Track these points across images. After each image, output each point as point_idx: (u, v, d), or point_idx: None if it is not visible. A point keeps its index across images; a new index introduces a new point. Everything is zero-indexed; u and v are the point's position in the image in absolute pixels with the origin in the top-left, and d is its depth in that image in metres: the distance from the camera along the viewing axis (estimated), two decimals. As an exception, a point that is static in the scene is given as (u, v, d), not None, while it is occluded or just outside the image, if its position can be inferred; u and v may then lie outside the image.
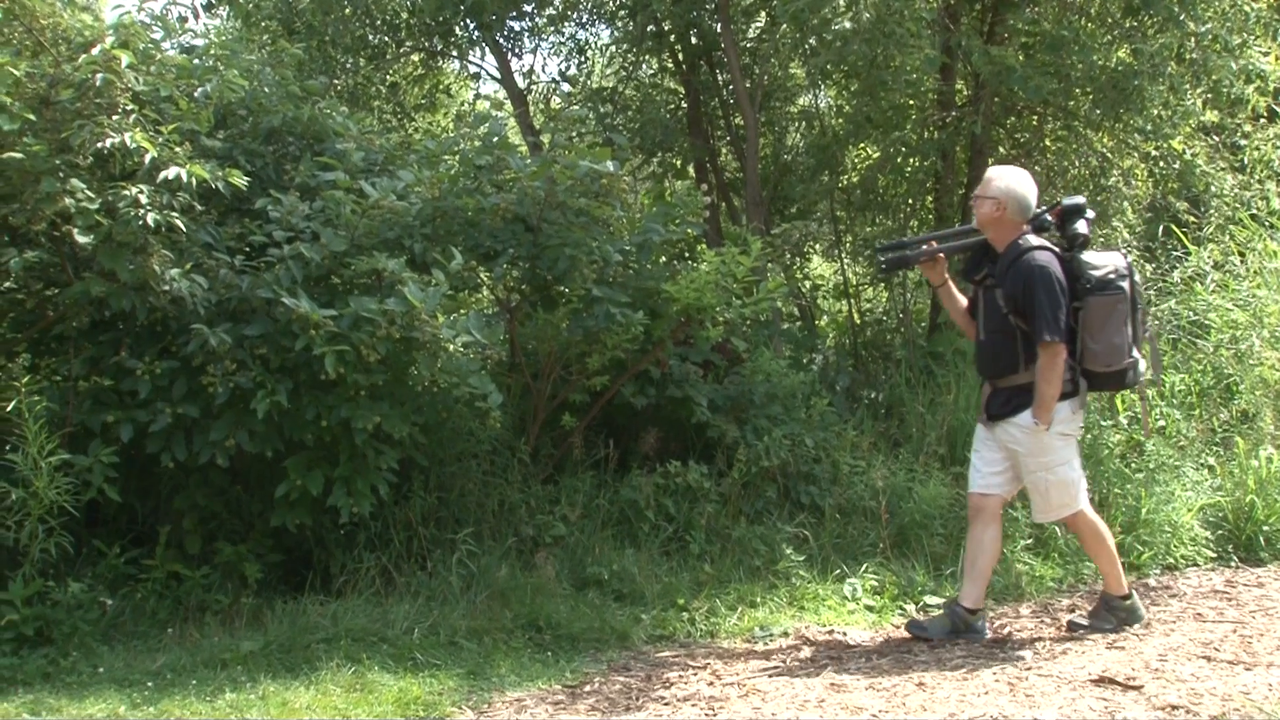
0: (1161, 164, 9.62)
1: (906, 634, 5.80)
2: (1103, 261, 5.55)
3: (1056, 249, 5.60)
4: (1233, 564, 7.11)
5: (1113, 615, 5.78)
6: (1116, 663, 5.17)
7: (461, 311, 6.13)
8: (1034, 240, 5.59)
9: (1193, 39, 8.18)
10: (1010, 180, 5.64)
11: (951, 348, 8.49)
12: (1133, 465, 7.59)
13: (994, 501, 5.74)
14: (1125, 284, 5.51)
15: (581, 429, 6.89)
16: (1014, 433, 5.60)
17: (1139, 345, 5.59)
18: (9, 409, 5.45)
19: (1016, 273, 5.52)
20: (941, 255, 5.91)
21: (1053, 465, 5.60)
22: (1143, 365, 5.66)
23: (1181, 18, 7.93)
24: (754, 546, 6.64)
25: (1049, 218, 5.73)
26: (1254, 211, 9.75)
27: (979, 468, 5.79)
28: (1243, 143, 9.87)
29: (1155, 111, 8.46)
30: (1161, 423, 8.13)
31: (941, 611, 5.85)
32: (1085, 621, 5.82)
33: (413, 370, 6.02)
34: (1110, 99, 8.24)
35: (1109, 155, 9.74)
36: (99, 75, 5.50)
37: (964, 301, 5.98)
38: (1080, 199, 5.77)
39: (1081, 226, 5.65)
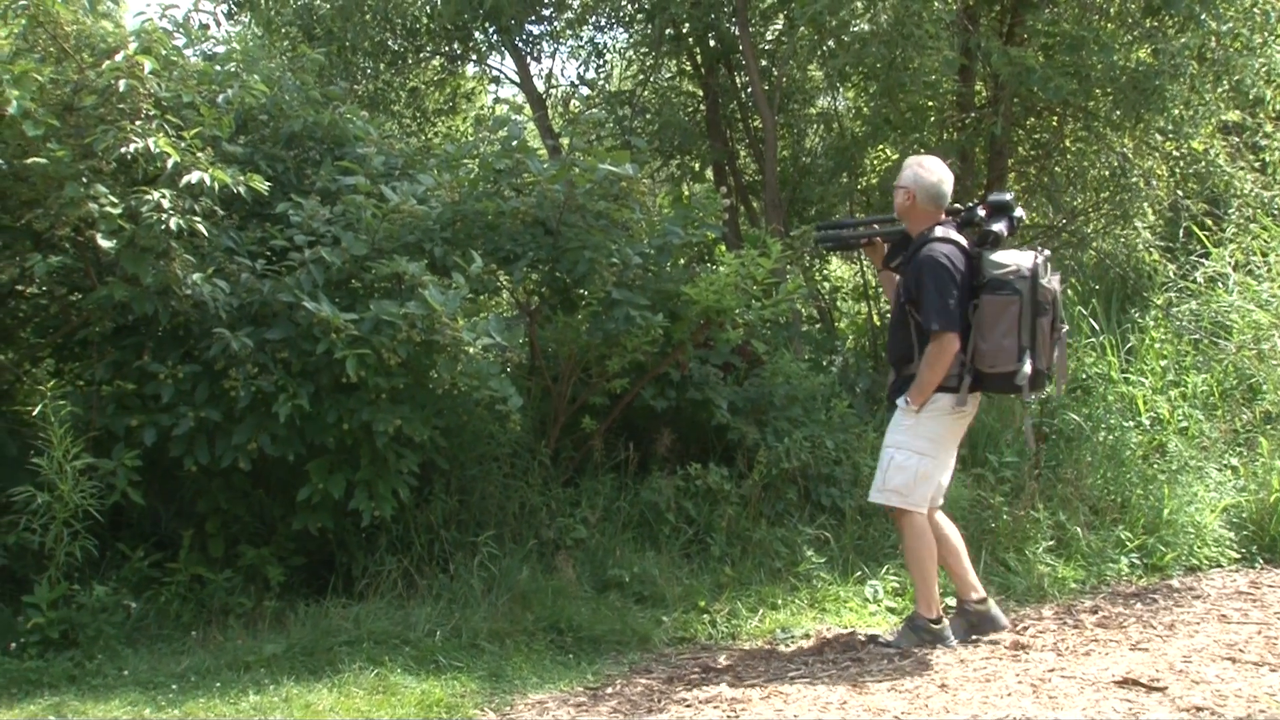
0: (1182, 164, 9.58)
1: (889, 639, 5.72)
2: (1007, 261, 5.43)
3: (963, 243, 5.53)
4: (1257, 565, 7.08)
5: (915, 634, 5.59)
6: (1140, 664, 5.15)
7: (481, 315, 6.14)
8: (939, 232, 5.54)
9: (1214, 38, 8.14)
10: (919, 169, 5.63)
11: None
12: (1155, 466, 7.56)
13: (939, 511, 5.79)
14: (1023, 285, 5.37)
15: (602, 431, 6.89)
16: (894, 415, 5.64)
17: (1039, 351, 5.40)
18: (34, 413, 5.49)
19: (914, 263, 5.51)
20: (880, 239, 5.90)
21: (903, 445, 5.54)
22: (1029, 369, 5.40)
23: (1203, 17, 7.89)
24: (775, 548, 6.63)
25: (980, 211, 5.67)
26: (1275, 212, 9.70)
27: None
28: (1264, 143, 9.83)
29: (1176, 111, 8.42)
30: (1184, 423, 8.09)
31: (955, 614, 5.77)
32: (890, 639, 5.67)
33: (433, 373, 6.04)
34: (1131, 99, 8.20)
35: (1129, 155, 9.71)
36: (122, 81, 5.54)
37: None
38: (1007, 196, 5.69)
39: (998, 225, 5.55)
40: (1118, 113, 8.64)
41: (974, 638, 5.66)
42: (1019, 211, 5.65)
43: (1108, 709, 4.55)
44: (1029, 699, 4.74)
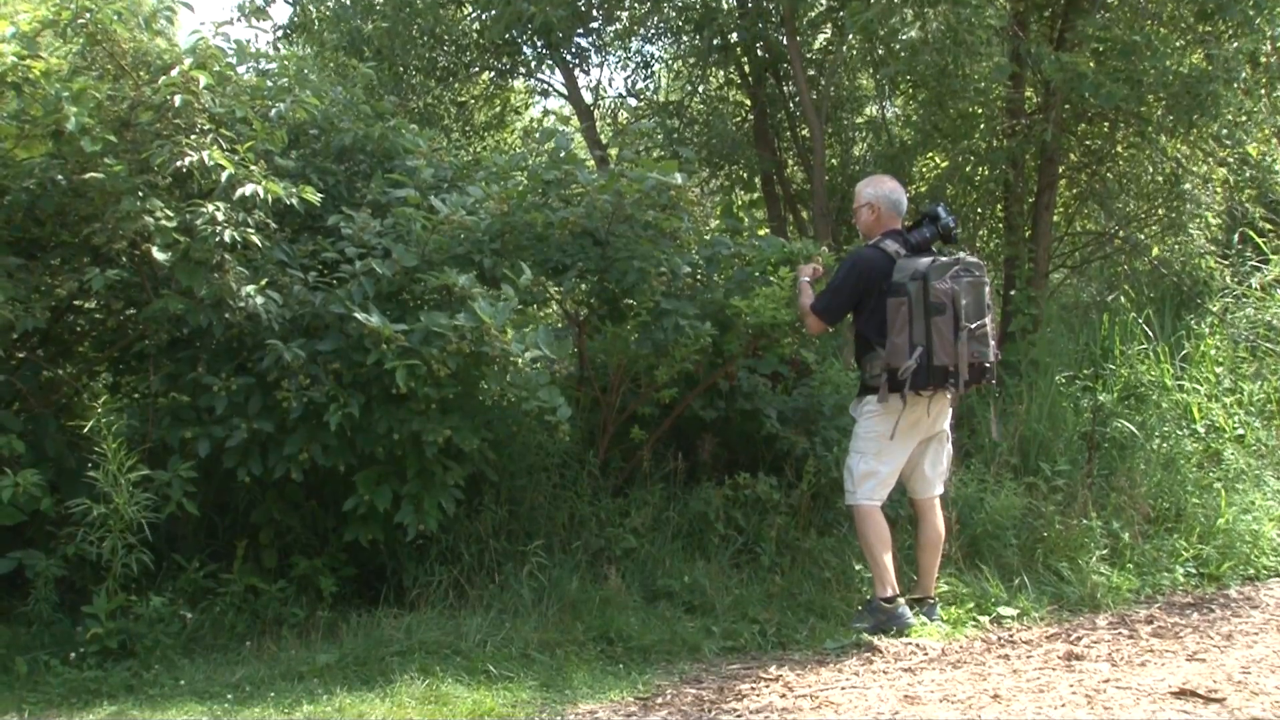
0: (1237, 169, 9.47)
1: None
2: (905, 265, 5.84)
3: (889, 251, 5.94)
4: (1317, 575, 6.97)
5: (870, 615, 5.95)
6: (1197, 675, 5.09)
7: (531, 326, 6.16)
8: (872, 241, 6.08)
9: (1269, 42, 8.04)
10: (878, 185, 6.19)
11: (1026, 357, 8.41)
12: (1211, 474, 7.47)
13: (924, 502, 6.26)
14: (914, 286, 5.72)
15: (651, 442, 6.90)
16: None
17: (935, 349, 5.72)
18: (87, 429, 5.57)
19: None
20: None
21: (850, 449, 6.15)
22: (959, 374, 5.78)
23: (1257, 21, 7.80)
24: (824, 558, 6.60)
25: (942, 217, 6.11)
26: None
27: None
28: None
29: (1230, 117, 8.33)
30: (1240, 431, 7.99)
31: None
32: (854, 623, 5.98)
33: (483, 384, 6.07)
34: (1184, 105, 8.12)
35: (1182, 161, 9.60)
36: (178, 96, 5.62)
37: None
38: (935, 208, 6.08)
39: (916, 234, 6.03)
40: (1170, 118, 8.55)
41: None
42: (947, 220, 6.05)
43: (1164, 720, 4.51)
44: (1084, 710, 4.70)
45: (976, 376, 5.88)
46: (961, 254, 6.05)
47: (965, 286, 5.78)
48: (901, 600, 5.99)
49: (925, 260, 5.82)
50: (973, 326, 5.79)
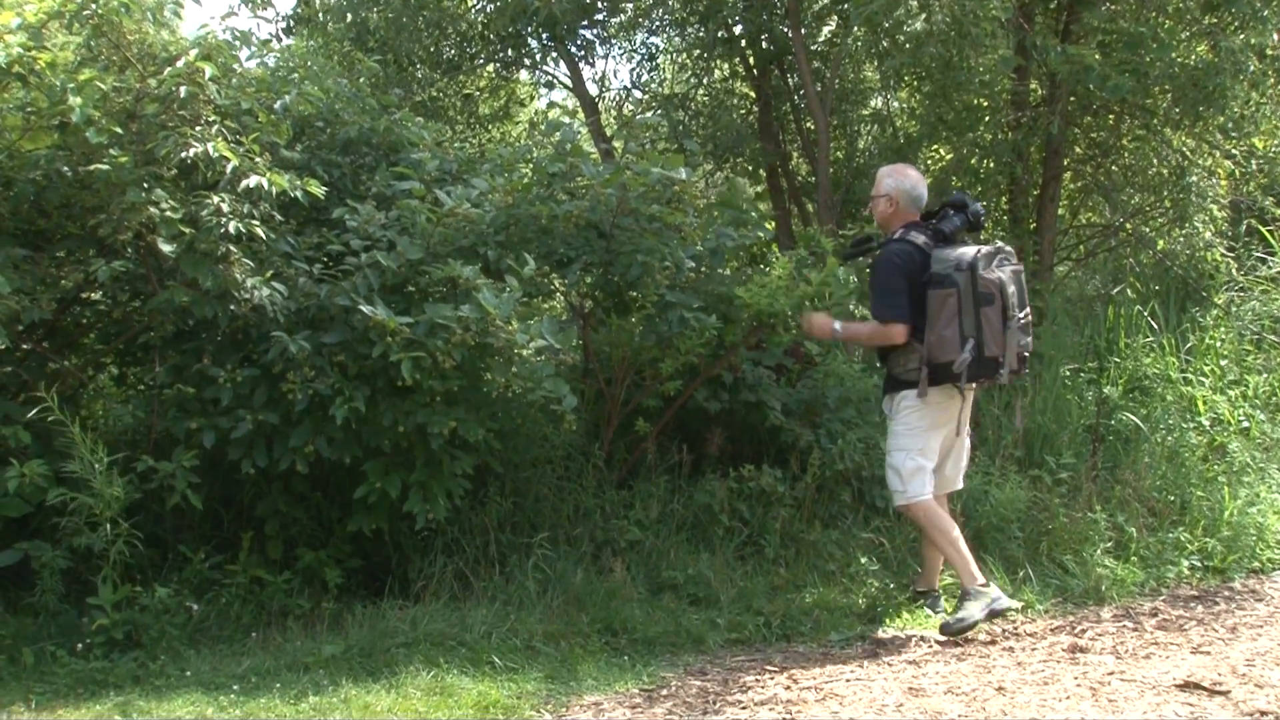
0: (1243, 162, 9.45)
1: (942, 637, 5.82)
2: (948, 256, 5.72)
3: (918, 243, 5.82)
4: (1322, 567, 6.96)
5: (973, 603, 5.75)
6: (1202, 667, 5.09)
7: (535, 318, 6.16)
8: (898, 234, 5.92)
9: (1276, 34, 8.02)
10: (899, 177, 6.04)
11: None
12: (1215, 467, 7.46)
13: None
14: (961, 277, 5.62)
15: (655, 434, 6.90)
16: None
17: (986, 339, 5.64)
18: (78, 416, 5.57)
19: (872, 264, 6.01)
20: None
21: (893, 449, 5.98)
22: (1006, 364, 5.72)
23: (1264, 14, 7.78)
24: (829, 550, 6.61)
25: (951, 212, 5.98)
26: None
27: None
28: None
29: (1236, 109, 8.31)
30: (1245, 423, 7.98)
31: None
32: (952, 619, 5.78)
33: (487, 376, 6.07)
34: (1190, 97, 8.10)
35: (1188, 154, 9.58)
36: (183, 87, 5.62)
37: None
38: (962, 196, 5.97)
39: (946, 223, 5.88)
40: (1177, 111, 8.53)
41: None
42: (975, 207, 5.93)
43: (1169, 713, 4.51)
44: (1088, 702, 4.70)
45: (1020, 366, 5.84)
46: (998, 242, 5.97)
47: (1010, 275, 5.71)
48: (992, 583, 5.92)
49: (968, 250, 5.71)
50: (1020, 316, 5.75)
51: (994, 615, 5.79)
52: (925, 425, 5.88)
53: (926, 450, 5.92)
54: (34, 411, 5.49)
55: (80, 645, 5.32)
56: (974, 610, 5.71)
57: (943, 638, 5.76)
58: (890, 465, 5.99)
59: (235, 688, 5.03)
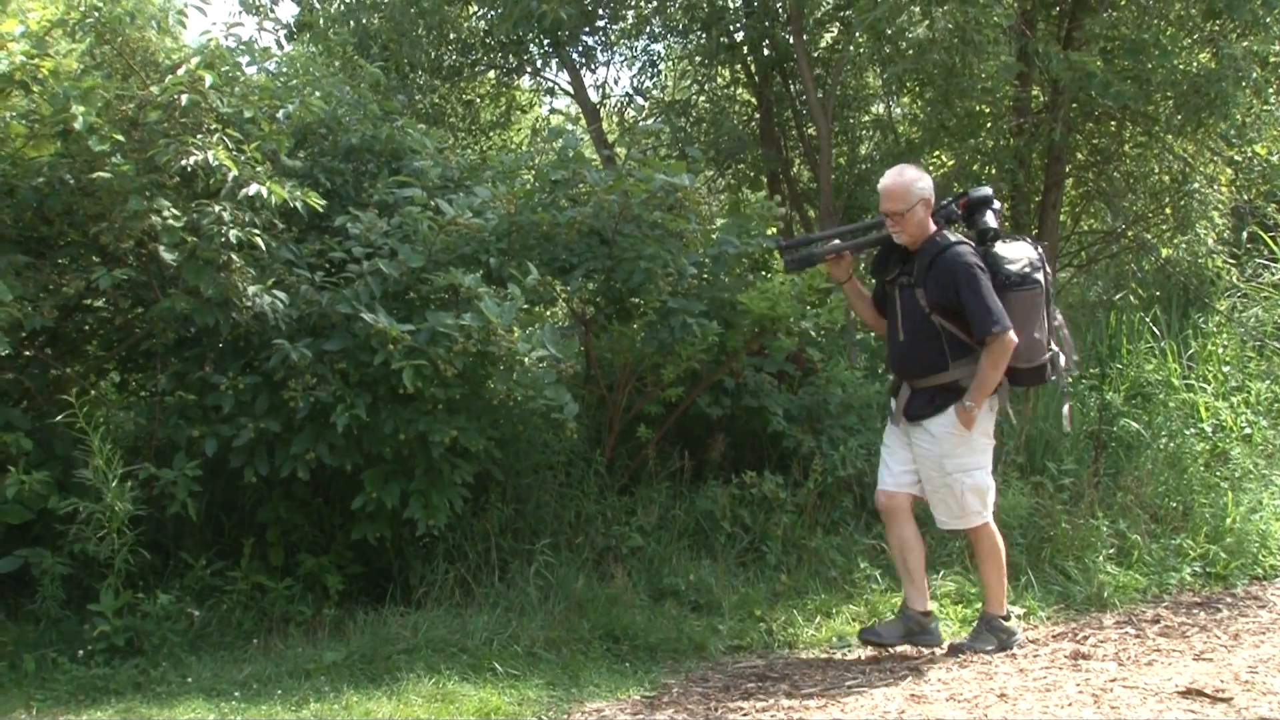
0: (1245, 169, 9.45)
1: (861, 643, 5.76)
2: (1016, 254, 5.52)
3: (968, 243, 5.53)
4: (1324, 574, 6.95)
5: (994, 636, 5.64)
6: (1204, 674, 5.08)
7: (537, 325, 6.17)
8: (951, 237, 5.53)
9: (1278, 42, 8.03)
10: (922, 180, 5.54)
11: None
12: (1218, 474, 7.46)
13: (903, 499, 5.70)
14: (1040, 276, 5.49)
15: (656, 440, 6.90)
16: (934, 432, 5.53)
17: (1054, 337, 5.56)
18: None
19: (939, 271, 5.43)
20: (847, 253, 5.84)
21: (970, 468, 5.53)
22: (1063, 359, 5.63)
23: (1266, 21, 7.79)
24: (830, 557, 6.61)
25: (955, 209, 5.68)
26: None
27: (890, 465, 5.75)
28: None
29: (1239, 116, 8.31)
30: (1248, 430, 7.98)
31: (895, 617, 5.78)
32: (966, 642, 5.69)
33: (489, 384, 6.07)
34: (1192, 104, 8.10)
35: (1190, 160, 9.59)
36: (184, 95, 5.63)
37: (869, 296, 5.91)
38: (987, 190, 5.70)
39: (989, 219, 5.58)
40: (1179, 117, 8.53)
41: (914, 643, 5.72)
42: (996, 204, 5.69)
43: (1171, 720, 4.50)
44: (1090, 709, 4.69)
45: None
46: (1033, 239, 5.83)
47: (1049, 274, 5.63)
48: (1013, 616, 5.83)
49: (1030, 248, 5.58)
50: (1056, 316, 5.69)
51: (1007, 649, 5.61)
52: (987, 435, 5.60)
53: (989, 465, 5.66)
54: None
55: (81, 652, 5.31)
56: (992, 645, 5.61)
57: (944, 644, 5.73)
58: (968, 486, 5.53)
59: (237, 694, 5.03)
